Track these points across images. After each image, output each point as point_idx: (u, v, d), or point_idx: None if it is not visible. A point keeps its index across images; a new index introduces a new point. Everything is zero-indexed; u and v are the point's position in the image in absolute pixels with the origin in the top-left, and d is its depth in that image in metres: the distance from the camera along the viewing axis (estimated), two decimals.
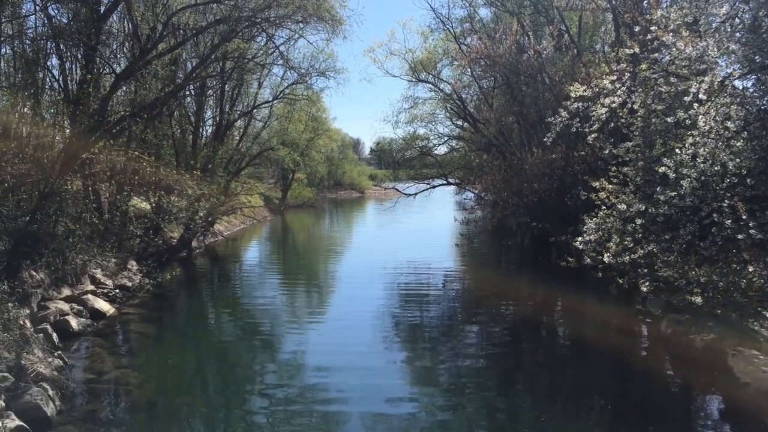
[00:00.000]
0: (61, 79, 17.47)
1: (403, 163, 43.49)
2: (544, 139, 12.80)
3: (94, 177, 16.77)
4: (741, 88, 10.34)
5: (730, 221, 9.04)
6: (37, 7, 16.31)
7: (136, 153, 16.92)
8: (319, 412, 9.11)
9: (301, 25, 19.91)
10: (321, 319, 15.32)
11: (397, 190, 38.88)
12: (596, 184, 12.08)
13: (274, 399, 9.62)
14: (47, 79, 17.43)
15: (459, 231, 29.98)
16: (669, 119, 10.56)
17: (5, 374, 8.53)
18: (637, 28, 11.37)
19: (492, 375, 11.01)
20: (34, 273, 13.20)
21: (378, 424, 8.67)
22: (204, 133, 28.34)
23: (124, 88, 18.59)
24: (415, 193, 36.02)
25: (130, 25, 18.23)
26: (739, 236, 8.94)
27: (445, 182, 36.14)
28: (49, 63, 17.57)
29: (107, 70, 18.53)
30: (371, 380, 10.43)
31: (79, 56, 17.58)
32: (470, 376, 10.86)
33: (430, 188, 36.17)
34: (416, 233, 34.62)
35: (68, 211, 14.71)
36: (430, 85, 37.75)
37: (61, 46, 17.22)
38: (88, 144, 14.17)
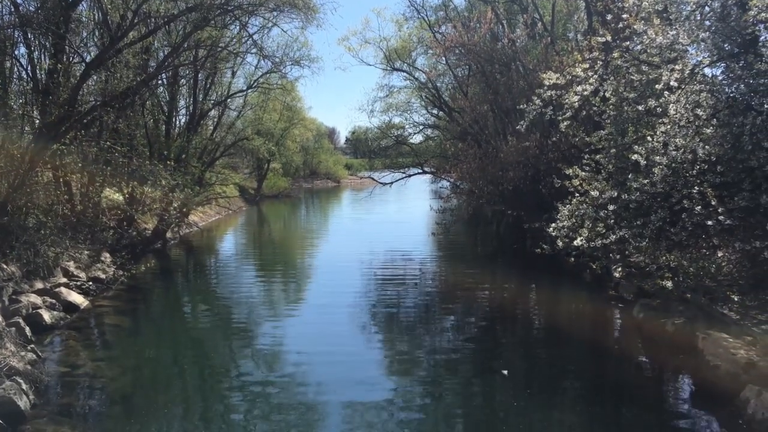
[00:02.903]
0: (29, 68, 17.16)
1: (378, 152, 43.54)
2: (517, 127, 12.91)
3: (65, 168, 16.52)
4: (710, 75, 10.52)
5: (699, 207, 9.20)
6: None
7: (107, 143, 16.70)
8: (297, 402, 9.12)
9: (274, 13, 19.74)
10: (298, 309, 15.31)
11: (373, 179, 38.90)
12: (570, 171, 12.20)
13: (251, 390, 9.59)
14: (15, 69, 17.12)
15: (435, 220, 30.11)
16: (640, 107, 10.72)
17: None
18: (609, 16, 11.48)
19: (469, 362, 11.12)
20: (5, 266, 12.99)
21: (357, 413, 8.71)
22: (177, 122, 28.07)
23: (95, 77, 18.27)
24: (391, 182, 36.05)
25: (99, 13, 17.92)
26: (709, 222, 9.11)
27: (420, 171, 36.22)
28: (16, 52, 17.27)
29: (77, 59, 18.21)
30: (350, 370, 10.46)
31: (48, 45, 17.27)
32: (447, 363, 10.97)
33: (405, 177, 36.21)
34: (392, 222, 34.64)
35: (39, 203, 14.50)
36: (405, 74, 37.79)
37: (29, 35, 16.89)
38: (59, 134, 13.95)
